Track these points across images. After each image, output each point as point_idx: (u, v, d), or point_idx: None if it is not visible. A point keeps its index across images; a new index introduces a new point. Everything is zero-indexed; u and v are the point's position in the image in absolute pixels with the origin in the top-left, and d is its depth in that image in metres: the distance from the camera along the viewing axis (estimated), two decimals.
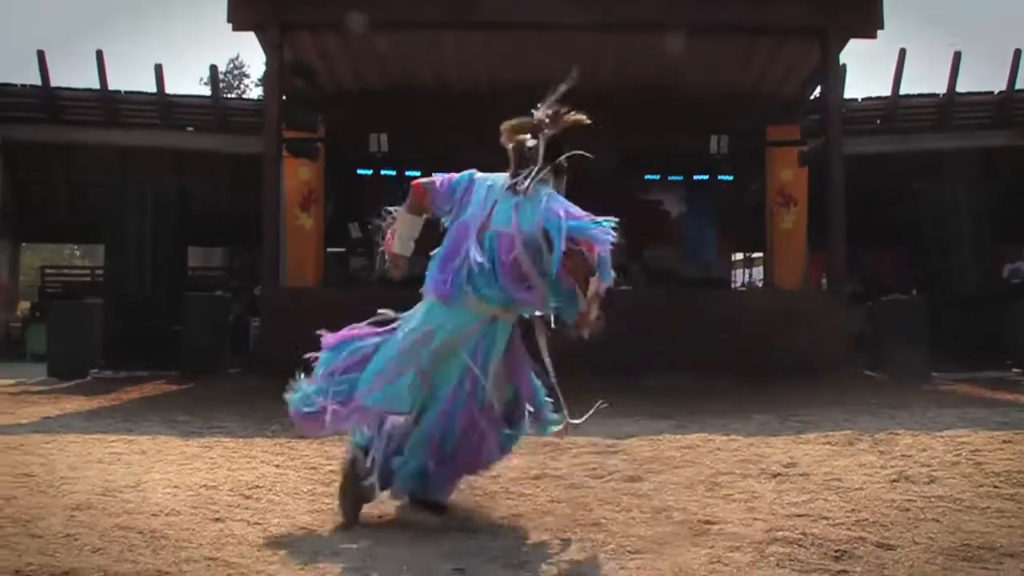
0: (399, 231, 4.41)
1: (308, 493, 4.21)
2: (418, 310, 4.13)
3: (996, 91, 15.33)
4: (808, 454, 5.18)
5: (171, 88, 15.52)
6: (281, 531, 3.57)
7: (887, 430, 6.04)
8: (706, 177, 16.48)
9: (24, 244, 19.42)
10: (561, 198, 3.90)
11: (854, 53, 13.12)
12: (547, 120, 4.11)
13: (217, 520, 3.67)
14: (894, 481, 4.37)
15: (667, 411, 7.45)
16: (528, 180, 3.90)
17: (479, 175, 4.12)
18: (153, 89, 15.45)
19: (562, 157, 4.10)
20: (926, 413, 7.29)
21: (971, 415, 7.11)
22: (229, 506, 3.92)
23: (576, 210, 3.83)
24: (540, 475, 4.64)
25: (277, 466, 4.86)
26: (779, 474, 4.56)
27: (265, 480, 4.43)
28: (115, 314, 11.98)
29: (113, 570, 2.95)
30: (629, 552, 3.31)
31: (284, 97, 12.22)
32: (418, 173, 16.66)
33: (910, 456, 5.03)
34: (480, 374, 3.75)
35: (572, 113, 4.17)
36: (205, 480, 4.39)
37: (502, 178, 4.03)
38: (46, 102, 15.64)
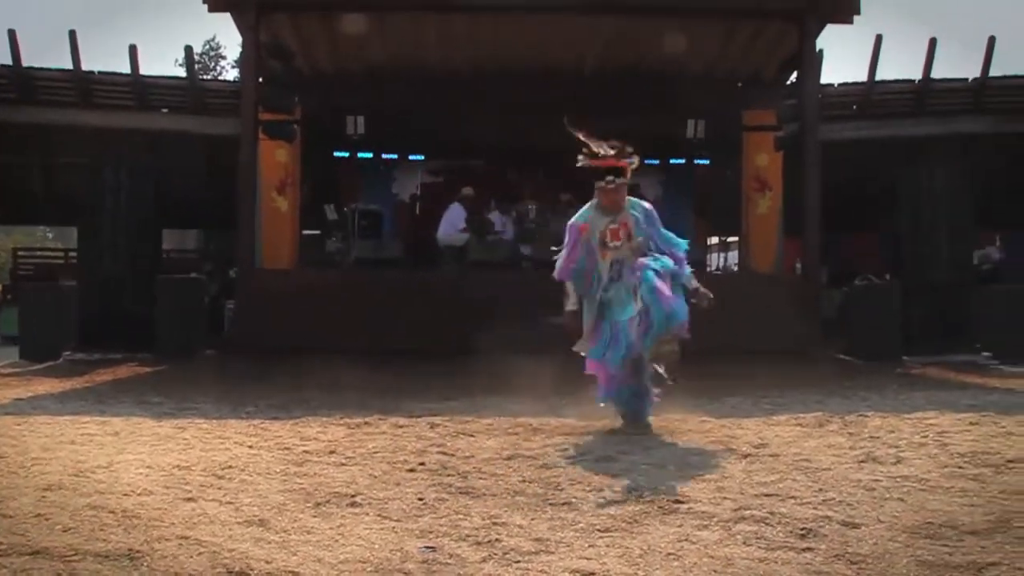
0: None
1: (280, 473, 4.22)
2: None
3: (971, 78, 15.42)
4: (779, 435, 5.24)
5: (148, 70, 15.37)
6: (253, 510, 3.58)
7: (857, 412, 6.11)
8: (683, 161, 16.52)
9: None
10: None
11: (832, 39, 13.18)
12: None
13: (189, 500, 3.68)
14: (861, 462, 4.44)
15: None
16: None
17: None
18: (127, 70, 15.29)
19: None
20: (897, 396, 7.38)
21: (940, 398, 7.18)
22: (202, 486, 3.93)
23: None
24: (513, 455, 4.68)
25: (250, 447, 4.87)
26: (749, 455, 4.62)
27: (238, 460, 4.44)
28: (89, 297, 11.90)
29: (84, 549, 2.96)
30: (599, 530, 3.35)
31: (260, 79, 12.17)
32: (395, 156, 16.78)
33: (878, 437, 5.10)
34: None
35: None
36: (178, 460, 4.40)
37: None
38: (19, 82, 15.45)
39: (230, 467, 4.27)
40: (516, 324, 9.51)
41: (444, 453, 4.73)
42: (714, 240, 19.98)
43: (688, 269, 5.77)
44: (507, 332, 8.92)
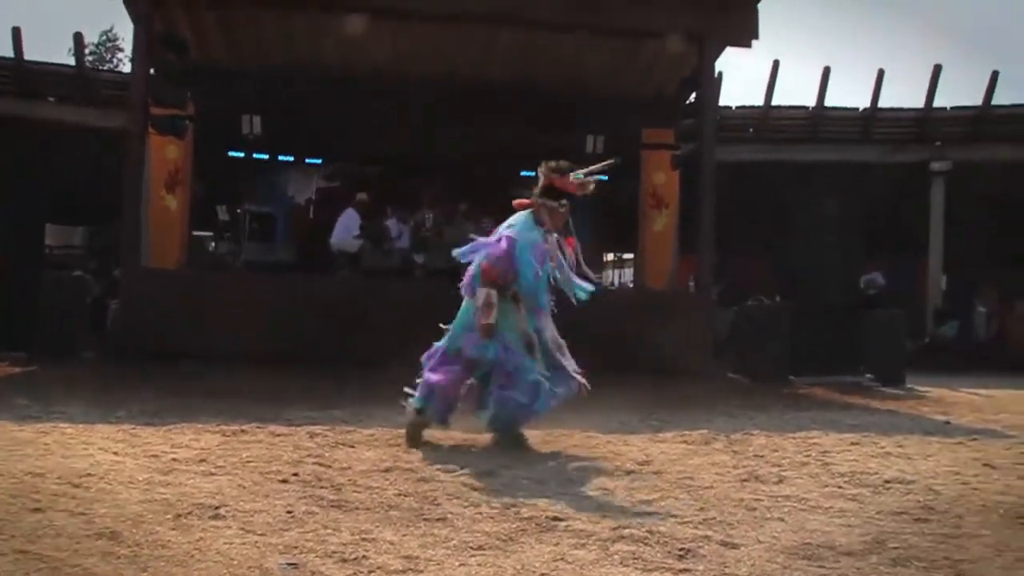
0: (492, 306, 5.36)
1: (143, 482, 3.97)
2: None
3: (861, 108, 15.91)
4: (664, 452, 5.21)
5: (38, 57, 14.77)
6: (106, 522, 3.34)
7: (743, 431, 6.14)
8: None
9: None
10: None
11: (732, 62, 13.39)
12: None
13: (37, 511, 3.42)
14: (744, 480, 4.43)
15: None
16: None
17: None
18: (10, 55, 14.67)
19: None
20: (783, 415, 7.45)
21: (824, 418, 7.29)
22: (53, 495, 3.67)
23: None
24: (391, 467, 4.52)
25: (115, 453, 4.60)
26: (632, 471, 4.56)
27: (99, 468, 4.17)
28: None
29: None
30: (472, 548, 3.23)
31: (152, 71, 11.75)
32: (291, 159, 16.44)
33: (762, 456, 5.11)
34: None
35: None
36: (32, 467, 4.11)
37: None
38: None
39: (89, 475, 4.01)
40: (407, 333, 9.35)
41: (320, 464, 4.54)
42: (609, 257, 20.15)
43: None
44: (397, 341, 8.75)
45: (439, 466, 4.59)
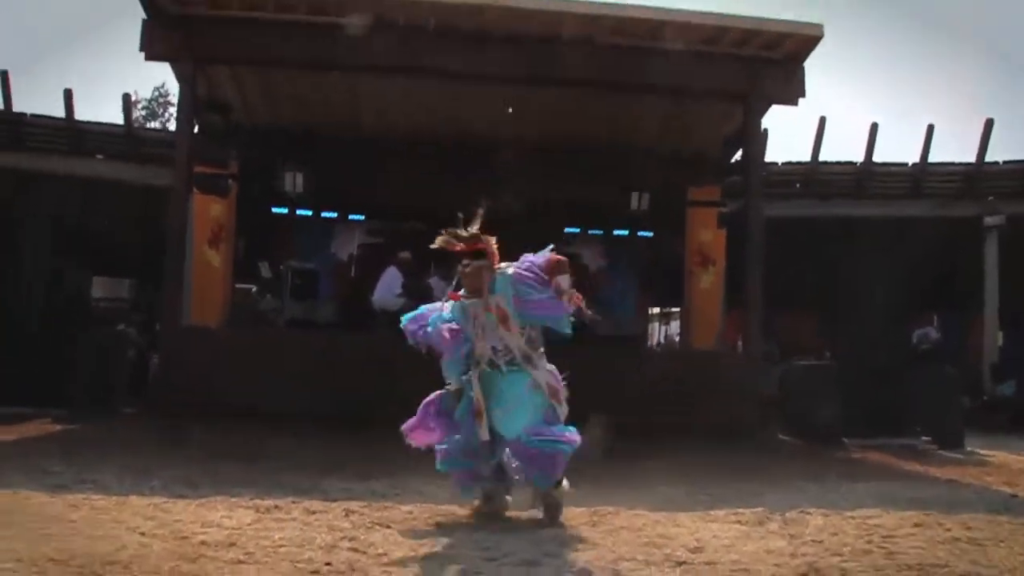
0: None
1: (168, 572, 3.80)
2: None
3: (911, 163, 15.62)
4: (716, 535, 4.94)
5: (93, 115, 14.98)
6: None
7: (798, 508, 5.84)
8: (626, 232, 16.42)
9: None
10: None
11: (777, 116, 13.24)
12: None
13: None
14: (803, 574, 4.14)
15: (570, 478, 7.13)
16: None
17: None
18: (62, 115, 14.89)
19: None
20: (838, 488, 7.11)
21: (882, 491, 6.94)
22: None
23: None
24: (429, 554, 4.30)
25: (143, 534, 4.43)
26: (683, 562, 4.29)
27: (124, 553, 4.00)
28: (3, 347, 11.34)
29: None
30: None
31: (196, 131, 11.83)
32: (335, 215, 16.46)
33: (820, 542, 4.82)
34: None
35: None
36: (56, 551, 3.95)
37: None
38: None
39: (112, 562, 3.83)
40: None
41: (355, 550, 4.33)
42: (655, 310, 19.91)
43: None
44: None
45: (480, 553, 4.37)
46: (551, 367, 5.51)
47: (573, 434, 5.31)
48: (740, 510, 5.71)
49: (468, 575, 4.02)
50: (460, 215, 5.45)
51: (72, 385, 10.90)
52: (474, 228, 5.39)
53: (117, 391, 11.22)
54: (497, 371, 5.37)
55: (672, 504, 6.09)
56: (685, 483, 7.04)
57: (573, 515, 5.40)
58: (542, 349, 5.51)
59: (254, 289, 14.43)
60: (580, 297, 5.41)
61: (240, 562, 4.00)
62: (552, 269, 5.30)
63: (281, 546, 4.34)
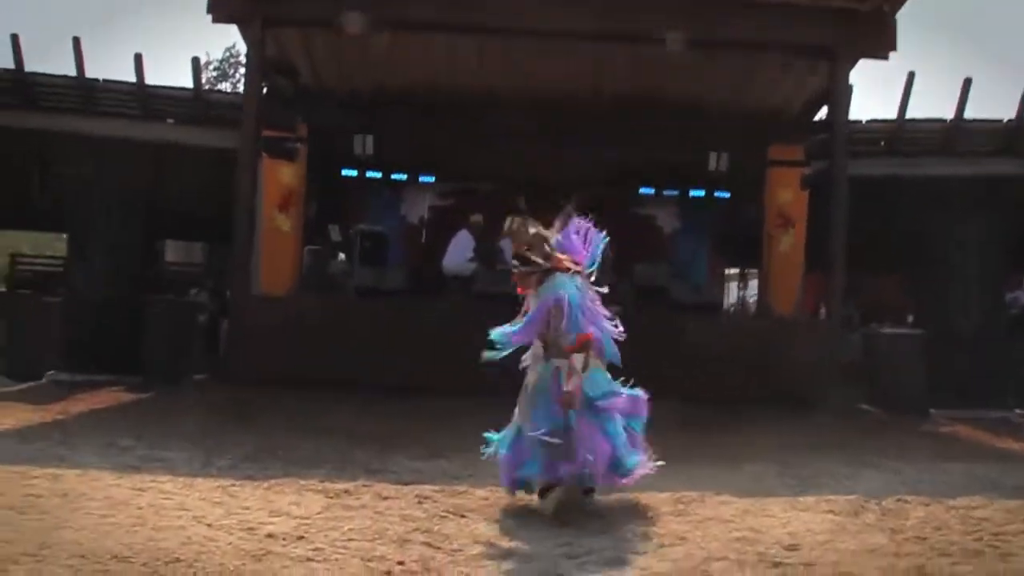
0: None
1: (233, 573, 3.61)
2: None
3: (1006, 119, 14.84)
4: (810, 528, 4.62)
5: (164, 78, 14.92)
6: None
7: (895, 495, 5.48)
8: (702, 193, 15.90)
9: None
10: None
11: (857, 73, 12.59)
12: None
13: None
14: None
15: (649, 454, 6.84)
16: None
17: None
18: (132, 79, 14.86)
19: None
20: (932, 469, 6.72)
21: (981, 474, 6.53)
22: None
23: None
24: (506, 551, 4.06)
25: (209, 525, 4.26)
26: (780, 563, 3.99)
27: (189, 548, 3.83)
28: (75, 313, 11.37)
29: None
30: None
31: (264, 94, 11.67)
32: (404, 177, 16.17)
33: (924, 539, 4.47)
34: None
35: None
36: (119, 546, 3.79)
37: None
38: (20, 87, 15.02)
39: (177, 560, 3.67)
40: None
41: (429, 544, 4.12)
42: (732, 270, 19.41)
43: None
44: (512, 372, 8.36)
45: (561, 550, 4.12)
46: None
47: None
48: (832, 497, 5.38)
49: None
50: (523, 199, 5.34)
51: (145, 352, 10.90)
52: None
53: (189, 358, 11.21)
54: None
55: (760, 487, 5.78)
56: (769, 461, 6.72)
57: (657, 501, 5.13)
58: None
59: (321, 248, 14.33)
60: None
61: (309, 559, 3.81)
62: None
63: (351, 539, 4.15)
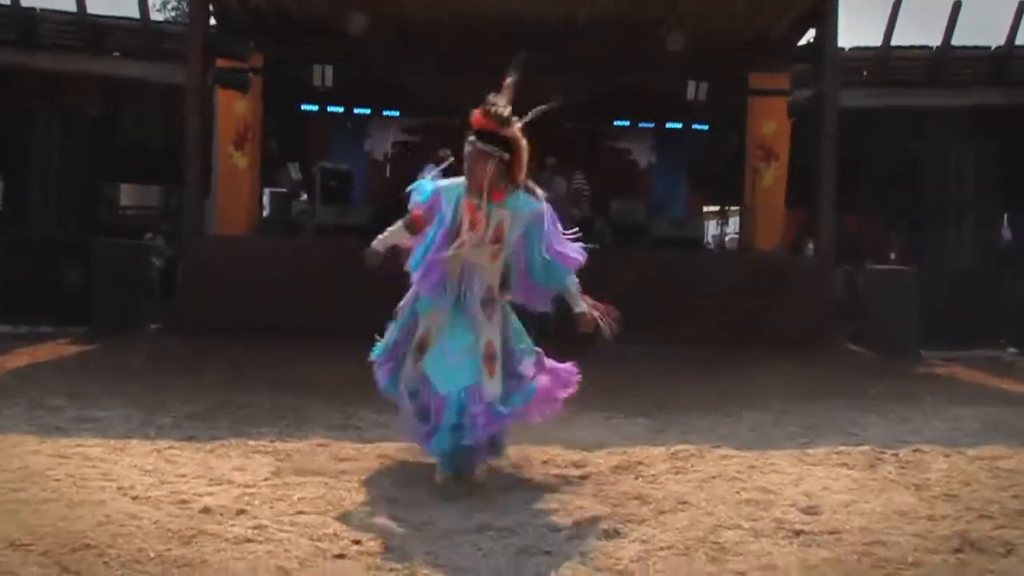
0: (389, 239, 4.52)
1: (156, 560, 2.98)
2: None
3: (994, 46, 14.25)
4: (827, 487, 4.07)
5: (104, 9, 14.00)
6: None
7: (908, 444, 4.97)
8: (679, 126, 15.25)
9: None
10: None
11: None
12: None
13: None
14: (957, 551, 3.25)
15: (638, 404, 6.30)
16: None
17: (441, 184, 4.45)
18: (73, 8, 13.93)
19: None
20: (940, 414, 6.22)
21: (992, 418, 6.04)
22: None
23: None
24: (482, 525, 3.47)
25: (135, 498, 3.63)
26: (801, 531, 3.42)
27: (105, 531, 3.17)
28: (13, 261, 10.61)
29: None
30: None
31: (214, 22, 10.86)
32: (367, 111, 15.34)
33: (955, 496, 3.94)
34: None
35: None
36: (22, 529, 3.14)
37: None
38: None
39: (87, 546, 3.03)
40: None
41: (394, 517, 3.52)
42: (712, 208, 18.83)
43: (574, 280, 4.31)
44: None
45: (544, 523, 3.53)
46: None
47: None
48: (843, 448, 4.84)
49: (534, 555, 3.19)
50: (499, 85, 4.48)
51: (92, 301, 10.19)
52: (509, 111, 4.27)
53: (139, 306, 10.50)
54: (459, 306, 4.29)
55: (761, 438, 5.25)
56: (766, 408, 6.19)
57: (651, 456, 4.57)
58: (508, 297, 4.43)
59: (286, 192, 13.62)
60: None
61: (248, 540, 3.18)
62: None
63: (300, 512, 3.53)
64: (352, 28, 10.43)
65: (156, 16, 15.20)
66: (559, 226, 4.36)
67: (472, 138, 4.25)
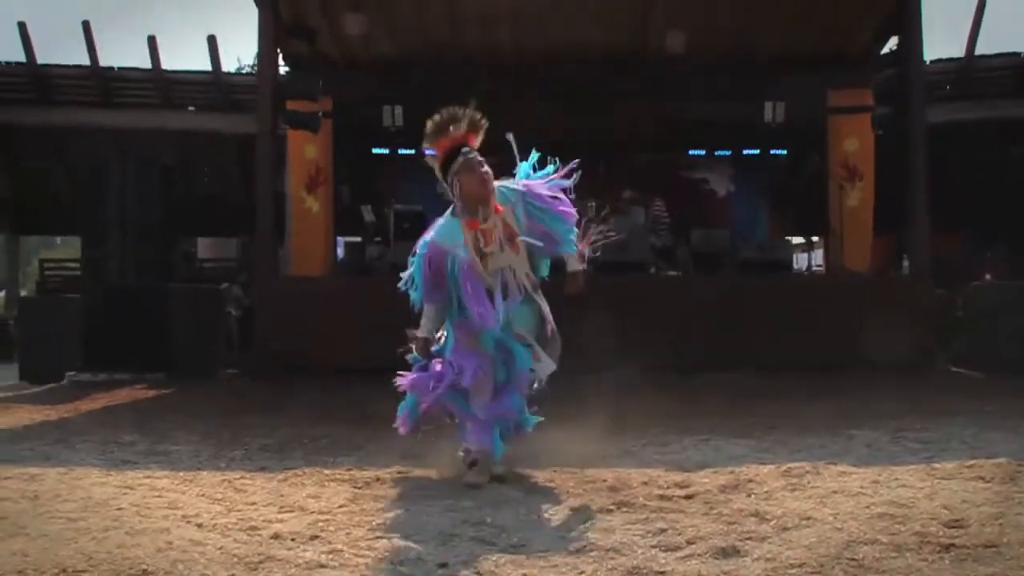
0: (430, 325, 4.55)
1: None
2: None
3: None
4: (966, 500, 3.60)
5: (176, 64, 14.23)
6: None
7: None
8: (756, 152, 14.82)
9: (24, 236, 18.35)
10: None
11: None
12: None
13: None
14: None
15: (738, 425, 5.90)
16: None
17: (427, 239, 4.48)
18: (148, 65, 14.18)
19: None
20: None
21: None
22: None
23: None
24: (583, 547, 3.08)
25: (200, 525, 3.34)
26: (951, 545, 2.97)
27: (165, 557, 2.88)
28: (96, 310, 10.60)
29: None
30: None
31: (284, 66, 10.85)
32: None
33: None
34: None
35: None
36: (75, 557, 2.86)
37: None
38: (34, 81, 14.39)
39: (144, 571, 2.73)
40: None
41: (480, 540, 3.16)
42: (798, 240, 18.22)
43: (574, 248, 4.55)
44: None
45: (654, 540, 3.13)
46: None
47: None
48: (973, 462, 4.34)
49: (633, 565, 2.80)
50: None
51: (170, 347, 10.12)
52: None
53: (216, 352, 10.43)
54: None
55: (881, 455, 4.78)
56: (879, 427, 5.71)
57: (761, 474, 4.14)
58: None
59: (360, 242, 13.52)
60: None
61: (321, 566, 2.85)
62: None
63: (379, 537, 3.19)
64: (352, 28, 10.26)
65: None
66: (546, 189, 4.51)
67: (467, 149, 4.48)
